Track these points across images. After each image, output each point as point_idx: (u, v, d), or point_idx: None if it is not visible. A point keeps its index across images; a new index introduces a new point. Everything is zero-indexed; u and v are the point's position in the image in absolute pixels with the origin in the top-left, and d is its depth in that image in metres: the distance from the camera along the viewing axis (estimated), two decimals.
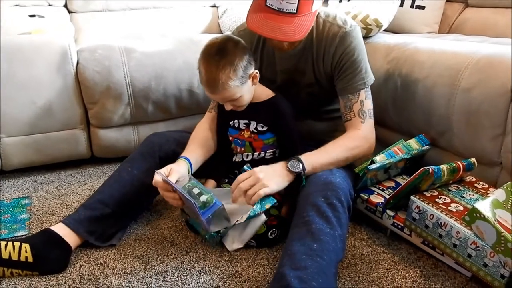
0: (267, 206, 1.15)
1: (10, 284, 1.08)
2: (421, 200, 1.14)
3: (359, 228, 1.32)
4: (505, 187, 1.08)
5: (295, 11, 1.10)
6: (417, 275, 1.11)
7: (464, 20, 1.96)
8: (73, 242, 1.16)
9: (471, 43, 1.49)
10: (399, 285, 1.08)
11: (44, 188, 1.61)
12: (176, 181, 1.15)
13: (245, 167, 1.22)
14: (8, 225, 1.34)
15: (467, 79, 1.27)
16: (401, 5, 1.93)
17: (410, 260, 1.17)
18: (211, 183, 1.33)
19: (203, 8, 2.37)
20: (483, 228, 0.99)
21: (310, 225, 1.03)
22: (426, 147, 1.40)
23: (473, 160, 1.23)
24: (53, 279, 1.10)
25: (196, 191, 1.15)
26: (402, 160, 1.34)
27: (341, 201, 1.09)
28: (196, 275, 1.12)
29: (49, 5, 2.09)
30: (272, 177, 1.13)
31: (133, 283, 1.09)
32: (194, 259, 1.18)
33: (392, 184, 1.36)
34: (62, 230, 1.16)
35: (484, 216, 0.98)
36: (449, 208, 1.12)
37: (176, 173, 1.15)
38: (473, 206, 1.00)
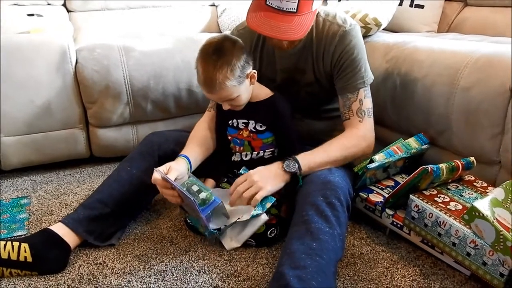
0: (268, 205, 1.15)
1: (9, 284, 1.08)
2: (420, 199, 1.14)
3: (358, 227, 1.32)
4: (504, 185, 1.08)
5: (295, 10, 1.10)
6: (416, 273, 1.11)
7: (463, 19, 1.96)
8: (72, 242, 1.16)
9: (470, 42, 1.49)
10: (398, 284, 1.08)
11: (43, 187, 1.61)
12: (175, 179, 1.14)
13: (241, 170, 1.23)
14: (7, 225, 1.34)
15: (466, 78, 1.27)
16: (400, 4, 1.93)
17: (409, 259, 1.17)
18: (210, 182, 1.32)
19: (202, 7, 2.37)
20: (482, 227, 0.99)
21: (309, 224, 1.03)
22: (425, 146, 1.40)
23: (472, 159, 1.23)
24: (52, 279, 1.10)
25: (195, 188, 1.15)
26: (401, 159, 1.34)
27: (340, 200, 1.09)
28: (196, 275, 1.12)
29: (48, 4, 2.08)
30: (268, 179, 1.13)
31: (133, 283, 1.09)
32: (193, 259, 1.18)
33: (391, 183, 1.36)
34: (61, 230, 1.16)
35: (483, 214, 0.98)
36: (448, 206, 1.12)
37: (175, 171, 1.15)
38: (472, 204, 1.00)
